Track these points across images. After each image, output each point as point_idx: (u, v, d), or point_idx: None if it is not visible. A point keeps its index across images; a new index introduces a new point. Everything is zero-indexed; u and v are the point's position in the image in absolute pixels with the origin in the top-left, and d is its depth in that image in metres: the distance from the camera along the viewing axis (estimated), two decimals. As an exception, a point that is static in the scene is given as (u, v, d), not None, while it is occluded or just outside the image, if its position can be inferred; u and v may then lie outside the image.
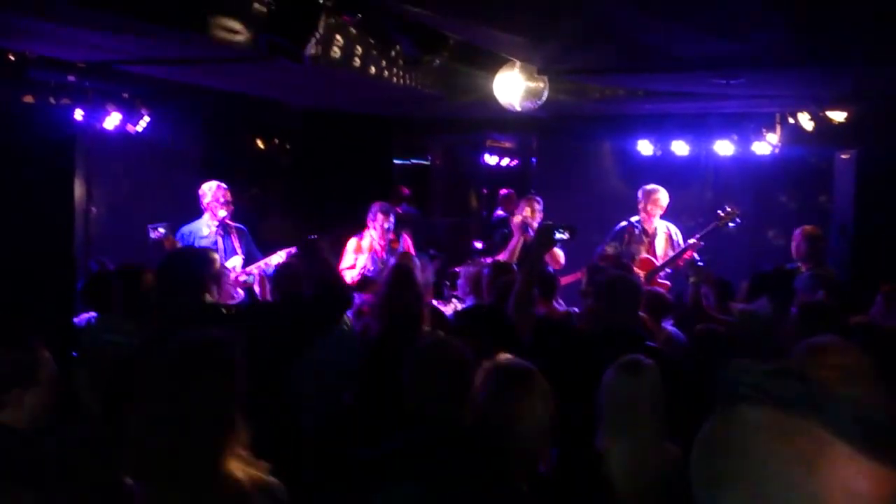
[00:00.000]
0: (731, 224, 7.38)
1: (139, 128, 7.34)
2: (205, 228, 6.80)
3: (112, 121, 7.16)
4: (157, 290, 3.93)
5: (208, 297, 3.85)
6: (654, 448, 3.04)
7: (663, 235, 7.55)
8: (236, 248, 6.85)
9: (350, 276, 7.08)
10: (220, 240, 6.80)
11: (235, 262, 6.72)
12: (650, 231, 7.56)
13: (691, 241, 7.27)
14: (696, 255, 7.09)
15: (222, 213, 6.79)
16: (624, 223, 7.61)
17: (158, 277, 3.85)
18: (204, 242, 6.72)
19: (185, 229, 6.77)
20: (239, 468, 2.19)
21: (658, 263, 7.32)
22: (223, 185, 6.85)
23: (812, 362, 2.25)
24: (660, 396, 3.08)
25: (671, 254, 7.37)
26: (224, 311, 3.91)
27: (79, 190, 7.46)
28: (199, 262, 3.94)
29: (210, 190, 6.82)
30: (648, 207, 7.53)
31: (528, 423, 2.72)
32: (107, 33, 4.59)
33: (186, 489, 2.14)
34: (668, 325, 5.48)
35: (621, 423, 3.06)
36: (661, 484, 2.96)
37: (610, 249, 7.36)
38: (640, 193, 7.65)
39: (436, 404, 2.86)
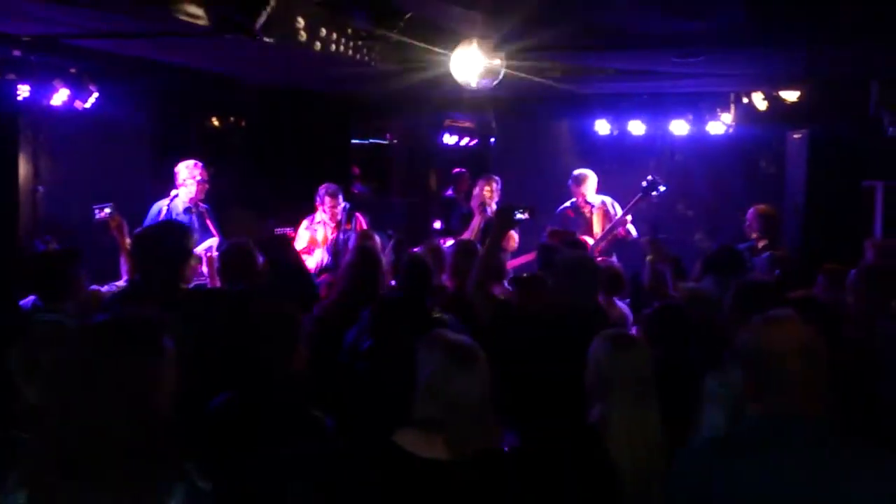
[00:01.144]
0: (654, 193, 7.53)
1: (88, 104, 7.15)
2: (180, 206, 6.71)
3: (59, 97, 6.95)
4: (134, 265, 3.85)
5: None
6: (654, 418, 3.11)
7: (599, 211, 7.76)
8: (211, 228, 6.77)
9: (313, 261, 7.04)
10: (195, 219, 6.72)
11: (212, 242, 6.64)
12: (587, 213, 7.77)
13: (619, 217, 7.51)
14: (631, 229, 7.27)
15: (197, 192, 6.72)
16: (562, 207, 7.83)
17: (135, 251, 3.78)
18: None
19: (160, 205, 6.66)
20: (164, 463, 2.05)
21: (591, 243, 7.42)
22: (199, 164, 6.77)
23: (766, 335, 2.25)
24: (651, 370, 3.17)
25: (608, 227, 7.58)
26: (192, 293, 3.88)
27: (25, 168, 7.28)
28: (180, 235, 3.88)
29: (187, 168, 6.75)
30: (581, 191, 7.79)
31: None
32: (52, 5, 4.43)
33: (96, 487, 1.98)
34: (621, 303, 5.53)
35: (624, 395, 3.10)
36: (658, 454, 3.03)
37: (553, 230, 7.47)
38: (570, 181, 7.88)
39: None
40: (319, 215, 7.24)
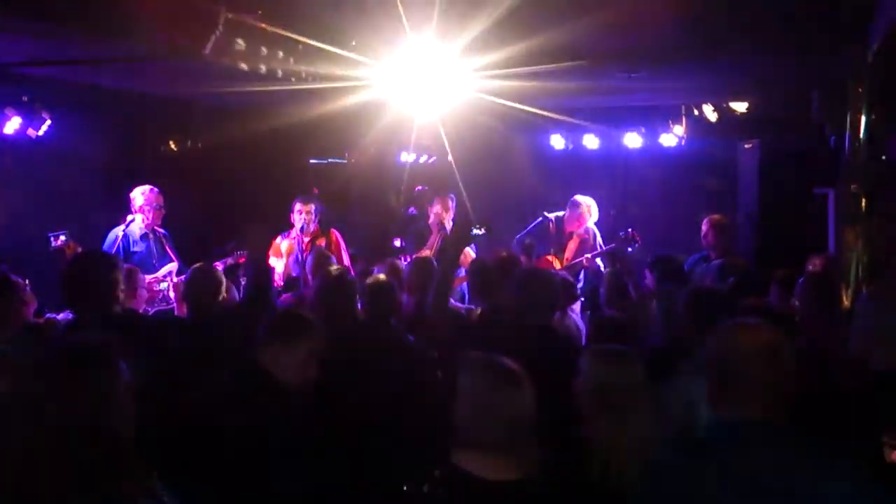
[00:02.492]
0: (629, 249, 7.39)
1: (41, 132, 7.10)
2: (137, 232, 6.67)
3: (12, 125, 6.90)
4: (64, 296, 3.82)
5: (117, 305, 3.77)
6: (646, 432, 3.08)
7: (578, 238, 7.64)
8: (170, 253, 6.74)
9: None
10: (153, 245, 6.69)
11: (172, 267, 6.62)
12: (566, 232, 7.69)
13: (585, 257, 7.38)
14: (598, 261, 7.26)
15: (154, 217, 6.72)
16: (541, 218, 7.73)
17: (64, 284, 3.75)
18: (138, 248, 6.62)
19: (116, 232, 6.63)
20: (127, 482, 2.06)
21: (557, 267, 7.38)
22: (155, 189, 6.76)
23: (732, 341, 2.33)
24: (643, 382, 3.15)
25: (578, 257, 7.48)
26: (136, 319, 3.85)
27: (-23, 197, 7.20)
28: (106, 265, 3.85)
29: (143, 194, 6.75)
30: (583, 217, 7.63)
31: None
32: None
33: None
34: (574, 315, 5.59)
35: (619, 410, 3.08)
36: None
37: (527, 241, 7.48)
38: (581, 203, 7.68)
39: None
40: (295, 227, 7.22)
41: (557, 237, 7.73)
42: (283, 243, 7.22)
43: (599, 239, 7.71)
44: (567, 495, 2.86)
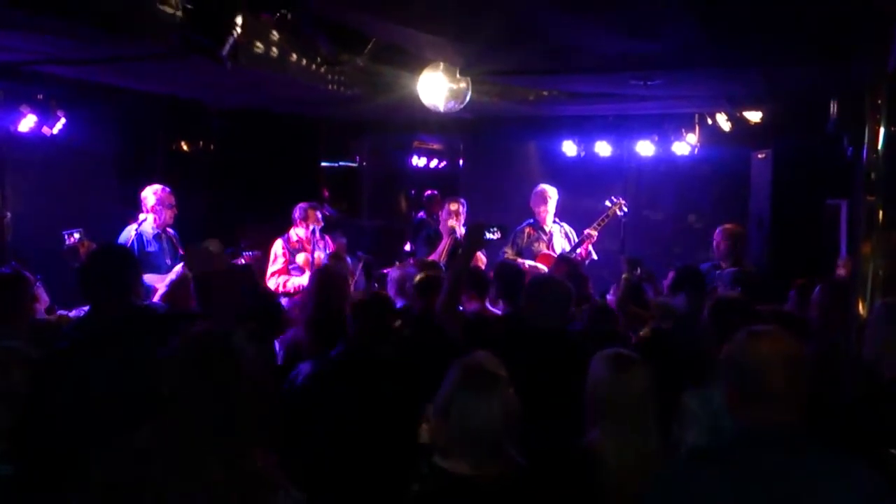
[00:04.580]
0: (619, 213, 7.68)
1: (55, 130, 7.13)
2: (150, 232, 6.69)
3: (27, 123, 6.93)
4: (82, 291, 3.81)
5: (136, 298, 3.76)
6: (650, 442, 3.08)
7: (559, 233, 7.78)
8: (181, 253, 6.74)
9: (277, 281, 7.01)
10: (165, 245, 6.69)
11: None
12: (547, 230, 7.76)
13: (586, 231, 7.52)
14: (591, 249, 7.35)
15: (165, 217, 6.71)
16: (522, 224, 7.78)
17: (82, 278, 3.74)
18: (151, 248, 6.62)
19: (129, 231, 6.63)
20: (263, 467, 2.22)
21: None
22: (166, 188, 6.76)
23: (751, 347, 2.31)
24: (653, 391, 3.13)
25: (568, 248, 7.60)
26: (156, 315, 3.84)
27: (-8, 194, 7.23)
28: (124, 258, 3.84)
29: (154, 193, 6.73)
30: (541, 206, 7.74)
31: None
32: (13, 32, 4.44)
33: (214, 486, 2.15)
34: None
35: (621, 418, 3.08)
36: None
37: (509, 253, 7.49)
38: (532, 196, 7.84)
39: None
40: (295, 234, 7.21)
41: (539, 236, 7.75)
42: (298, 256, 7.18)
43: (573, 233, 7.79)
44: (547, 495, 2.86)
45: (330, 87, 5.83)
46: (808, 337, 4.05)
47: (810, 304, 4.65)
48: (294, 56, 5.24)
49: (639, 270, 5.46)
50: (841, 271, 6.06)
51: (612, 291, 5.91)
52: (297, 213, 7.21)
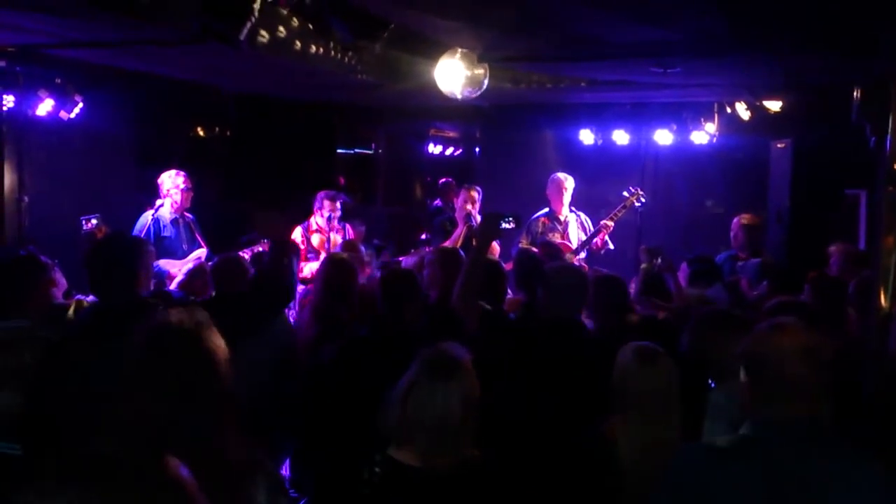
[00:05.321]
0: (637, 204, 7.65)
1: (73, 115, 7.15)
2: (168, 217, 6.71)
3: (45, 107, 6.96)
4: (90, 280, 3.79)
5: (143, 289, 3.74)
6: (670, 434, 3.10)
7: (575, 223, 7.76)
8: (198, 238, 6.77)
9: (311, 268, 7.01)
10: (182, 230, 6.72)
11: (200, 253, 6.63)
12: (562, 219, 7.72)
13: (603, 222, 7.48)
14: (608, 239, 7.33)
15: (182, 201, 6.75)
16: (537, 214, 7.75)
17: (87, 266, 3.72)
18: (168, 233, 6.65)
19: (146, 217, 6.66)
20: (238, 448, 2.19)
21: (573, 248, 7.47)
22: (183, 173, 6.79)
23: (771, 340, 2.31)
24: (677, 384, 3.15)
25: (584, 238, 7.57)
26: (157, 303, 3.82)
27: (10, 178, 7.27)
28: (130, 248, 3.82)
29: (170, 178, 6.77)
30: (558, 195, 7.71)
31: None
32: (31, 14, 4.45)
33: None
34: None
35: (644, 410, 3.11)
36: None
37: (524, 243, 7.47)
38: (548, 184, 7.81)
39: None
40: (315, 222, 7.22)
41: (554, 226, 7.72)
42: (313, 237, 7.19)
43: (589, 222, 7.77)
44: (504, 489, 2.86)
45: (347, 73, 5.81)
46: (828, 330, 4.01)
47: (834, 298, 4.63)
48: (311, 42, 5.22)
49: (659, 259, 5.40)
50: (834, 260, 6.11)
51: (632, 283, 5.87)
52: (316, 202, 7.22)
